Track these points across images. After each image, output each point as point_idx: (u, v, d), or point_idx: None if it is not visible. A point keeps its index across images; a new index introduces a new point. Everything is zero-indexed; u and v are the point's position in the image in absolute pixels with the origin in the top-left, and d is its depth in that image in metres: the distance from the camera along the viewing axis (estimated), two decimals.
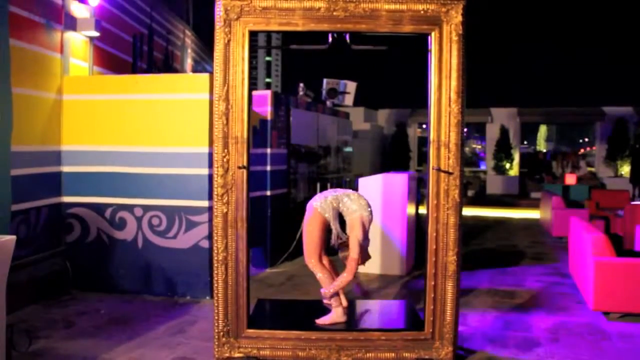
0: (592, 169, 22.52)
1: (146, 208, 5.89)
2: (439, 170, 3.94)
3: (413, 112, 21.51)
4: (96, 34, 6.67)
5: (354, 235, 4.24)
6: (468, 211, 13.60)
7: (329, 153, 9.59)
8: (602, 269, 5.22)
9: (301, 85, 9.70)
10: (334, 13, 3.87)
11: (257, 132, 6.98)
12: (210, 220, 5.24)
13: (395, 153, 20.39)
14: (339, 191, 4.46)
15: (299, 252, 7.83)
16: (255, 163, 6.81)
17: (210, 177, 4.73)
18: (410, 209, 7.25)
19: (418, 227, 7.52)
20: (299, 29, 3.92)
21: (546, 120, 26.41)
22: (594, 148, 24.02)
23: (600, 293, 5.20)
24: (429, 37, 3.93)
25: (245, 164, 3.95)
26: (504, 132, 20.46)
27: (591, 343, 4.62)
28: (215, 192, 3.96)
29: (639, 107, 20.14)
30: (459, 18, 3.88)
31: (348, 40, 4.03)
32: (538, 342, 4.62)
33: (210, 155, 5.16)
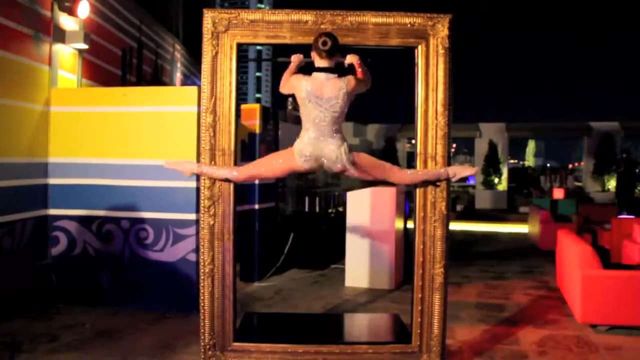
0: (580, 184, 22.70)
1: (133, 221, 5.85)
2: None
3: (402, 127, 21.61)
4: (85, 46, 6.68)
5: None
6: (457, 226, 13.64)
7: None
8: (589, 282, 5.24)
9: (290, 99, 9.72)
10: (322, 26, 3.90)
11: (246, 146, 6.98)
12: (198, 233, 5.20)
13: None
14: None
15: (287, 265, 7.84)
16: None
17: (198, 190, 4.71)
18: (399, 223, 7.25)
19: (406, 241, 7.52)
20: (287, 41, 3.94)
21: (534, 135, 26.68)
22: (582, 163, 24.23)
23: (587, 306, 5.22)
24: (416, 50, 3.96)
25: None
26: (492, 147, 20.60)
27: (579, 356, 4.62)
28: (202, 204, 3.95)
29: (625, 122, 20.39)
30: (445, 32, 3.92)
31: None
32: (526, 355, 4.62)
33: None
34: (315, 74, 3.66)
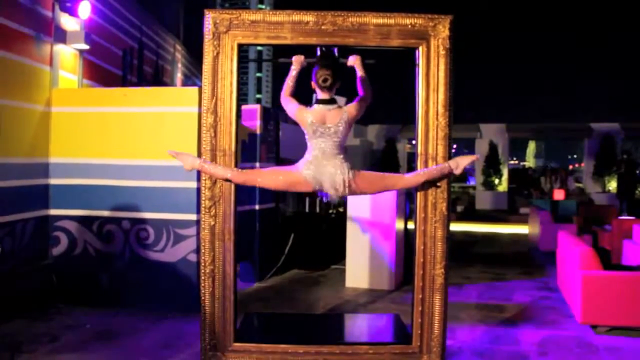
0: (580, 185, 22.69)
1: (134, 221, 5.85)
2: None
3: (403, 127, 21.60)
4: (86, 47, 6.68)
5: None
6: (457, 226, 13.64)
7: None
8: (589, 283, 5.24)
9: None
10: (323, 27, 3.90)
11: (246, 146, 6.98)
12: (198, 233, 5.20)
13: (385, 168, 20.42)
14: None
15: (288, 266, 7.84)
16: None
17: (199, 190, 4.72)
18: (399, 224, 7.26)
19: (407, 242, 7.52)
20: (288, 42, 3.94)
21: (535, 136, 26.67)
22: (582, 164, 24.24)
23: (587, 306, 5.22)
24: (417, 51, 3.96)
25: None
26: (493, 147, 20.57)
27: (579, 356, 4.62)
28: (203, 205, 3.95)
29: (625, 123, 20.38)
30: (446, 32, 3.92)
31: (336, 54, 4.05)
32: (526, 356, 4.62)
33: None
34: (316, 106, 3.80)
